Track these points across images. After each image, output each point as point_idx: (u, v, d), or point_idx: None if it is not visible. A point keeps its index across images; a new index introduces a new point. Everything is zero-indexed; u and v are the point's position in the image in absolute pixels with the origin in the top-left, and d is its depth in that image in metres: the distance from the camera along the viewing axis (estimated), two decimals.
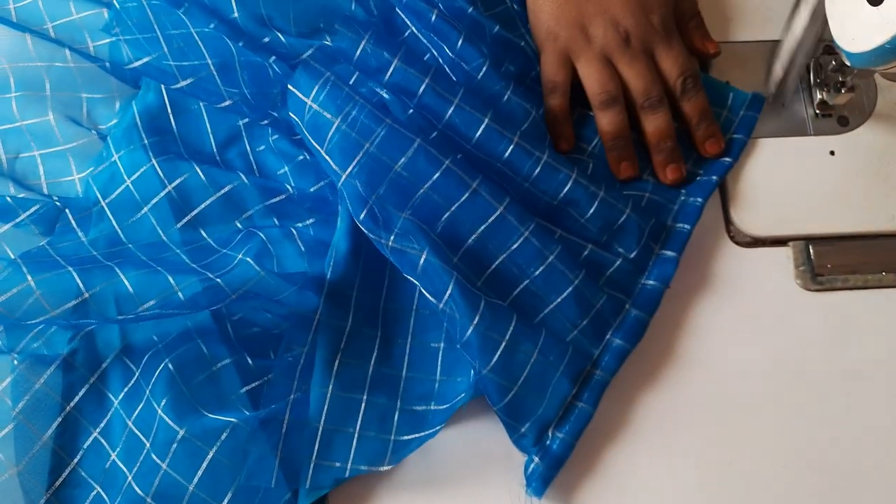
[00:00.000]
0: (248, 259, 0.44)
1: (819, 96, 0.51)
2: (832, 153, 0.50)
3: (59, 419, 0.41)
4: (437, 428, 0.42)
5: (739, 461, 0.44)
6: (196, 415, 0.40)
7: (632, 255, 0.46)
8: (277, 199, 0.47)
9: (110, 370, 0.42)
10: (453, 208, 0.43)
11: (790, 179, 0.50)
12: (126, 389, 0.42)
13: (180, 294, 0.42)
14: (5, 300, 0.40)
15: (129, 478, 0.39)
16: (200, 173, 0.46)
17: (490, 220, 0.43)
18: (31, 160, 0.47)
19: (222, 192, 0.46)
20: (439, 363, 0.44)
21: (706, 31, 0.51)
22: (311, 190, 0.47)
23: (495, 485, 0.43)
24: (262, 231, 0.45)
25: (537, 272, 0.44)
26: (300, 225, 0.47)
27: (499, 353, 0.41)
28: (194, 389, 0.41)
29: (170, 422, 0.39)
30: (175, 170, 0.46)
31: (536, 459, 0.42)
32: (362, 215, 0.43)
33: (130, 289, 0.42)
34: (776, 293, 0.48)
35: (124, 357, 0.42)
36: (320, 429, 0.41)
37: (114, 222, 0.45)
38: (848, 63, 0.43)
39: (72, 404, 0.41)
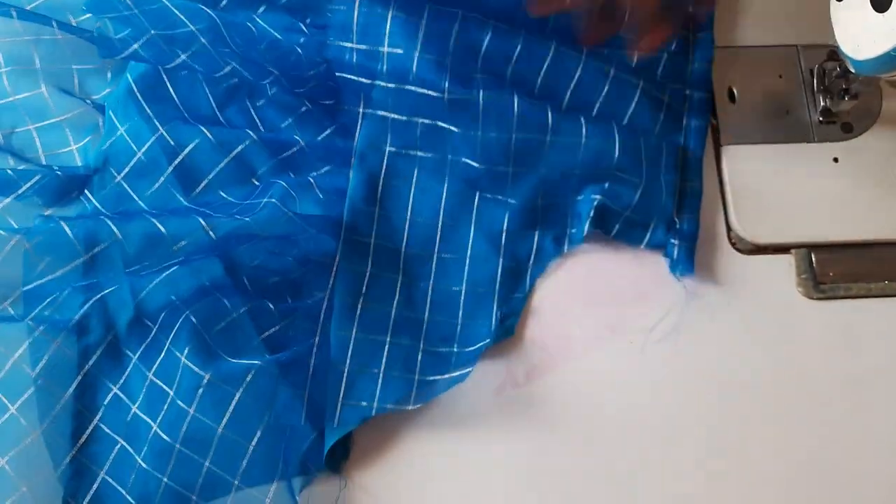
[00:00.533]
0: (273, 200, 0.44)
1: (823, 103, 0.50)
2: (836, 160, 0.50)
3: (78, 379, 0.41)
4: (466, 371, 0.43)
5: (741, 470, 0.44)
6: (220, 360, 0.41)
7: (672, 48, 0.50)
8: (289, 152, 0.47)
9: (126, 328, 0.42)
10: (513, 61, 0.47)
11: (793, 186, 0.49)
12: (144, 344, 0.42)
13: (212, 234, 0.42)
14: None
15: (154, 427, 0.40)
16: (210, 135, 0.46)
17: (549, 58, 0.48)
18: (27, 134, 0.47)
19: (235, 152, 0.46)
20: (461, 307, 0.45)
21: None
22: (320, 139, 0.48)
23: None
24: (282, 180, 0.46)
25: (605, 88, 0.48)
26: (315, 174, 0.47)
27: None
28: (215, 337, 0.41)
29: (195, 368, 0.40)
30: (183, 136, 0.46)
31: (676, 241, 0.47)
32: (446, 83, 0.46)
33: (163, 229, 0.42)
34: (778, 301, 0.47)
35: (140, 316, 0.42)
36: (346, 370, 0.42)
37: (131, 192, 0.45)
38: (852, 70, 0.43)
39: (89, 364, 0.41)
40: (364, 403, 0.42)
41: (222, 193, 0.46)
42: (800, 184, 0.49)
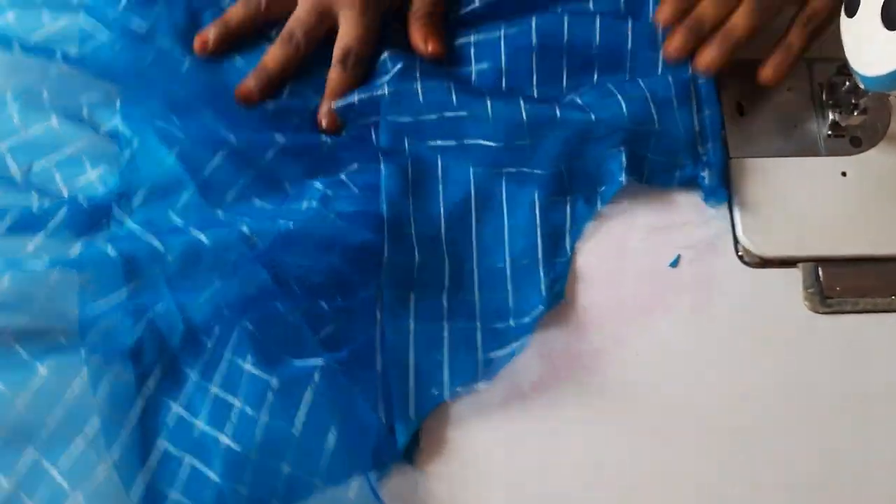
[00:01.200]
0: (314, 203, 0.44)
1: (831, 117, 0.50)
2: (844, 174, 0.50)
3: (140, 403, 0.41)
4: (523, 340, 0.44)
5: (747, 485, 0.43)
6: (283, 364, 0.41)
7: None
8: (316, 152, 0.48)
9: (180, 345, 0.42)
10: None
11: (801, 199, 0.49)
12: (202, 359, 0.42)
13: (256, 241, 0.43)
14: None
15: (225, 439, 0.40)
16: (234, 141, 0.46)
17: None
18: (45, 169, 0.47)
19: (262, 159, 0.47)
20: (508, 281, 0.46)
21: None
22: (343, 137, 0.49)
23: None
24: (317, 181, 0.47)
25: (598, 39, 0.50)
26: (346, 172, 0.48)
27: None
28: (274, 342, 0.42)
29: (260, 374, 0.41)
30: (204, 148, 0.46)
31: (705, 173, 0.48)
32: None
33: (205, 241, 0.42)
34: (784, 315, 0.47)
35: (192, 331, 0.42)
36: (410, 361, 0.43)
37: (161, 211, 0.46)
38: (862, 86, 0.43)
39: (148, 385, 0.41)
40: (434, 391, 0.43)
41: (257, 200, 0.46)
42: (808, 197, 0.49)
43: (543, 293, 0.46)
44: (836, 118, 0.50)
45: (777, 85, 0.50)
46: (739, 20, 0.48)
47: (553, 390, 0.45)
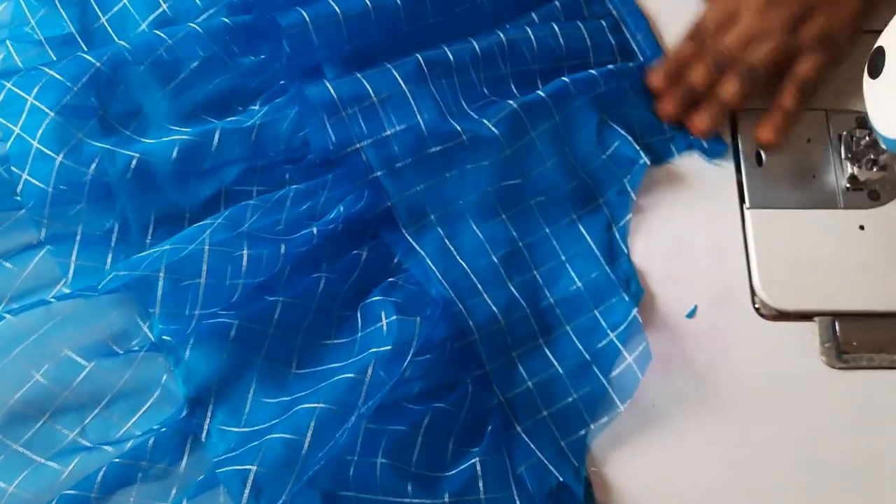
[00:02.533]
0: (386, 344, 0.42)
1: (850, 170, 0.50)
2: (862, 227, 0.50)
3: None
4: (643, 348, 0.44)
5: None
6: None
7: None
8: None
9: None
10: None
11: (818, 252, 0.49)
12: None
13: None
14: None
15: None
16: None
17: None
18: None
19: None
20: (587, 299, 0.47)
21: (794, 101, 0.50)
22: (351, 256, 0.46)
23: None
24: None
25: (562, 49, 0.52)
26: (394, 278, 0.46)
27: None
28: (419, 464, 0.42)
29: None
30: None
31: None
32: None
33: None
34: (800, 369, 0.47)
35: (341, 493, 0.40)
36: (546, 416, 0.44)
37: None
38: (883, 146, 0.43)
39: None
40: (581, 432, 0.44)
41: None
42: (825, 250, 0.49)
43: (625, 297, 0.46)
44: (855, 172, 0.50)
45: (776, 146, 0.51)
46: (728, 86, 0.50)
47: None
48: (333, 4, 0.47)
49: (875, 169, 0.49)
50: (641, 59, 0.53)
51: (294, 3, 0.47)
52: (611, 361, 0.45)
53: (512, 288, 0.46)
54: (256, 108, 0.48)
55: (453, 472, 0.42)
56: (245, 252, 0.41)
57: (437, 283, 0.45)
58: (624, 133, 0.49)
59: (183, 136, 0.45)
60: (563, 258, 0.48)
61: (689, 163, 0.52)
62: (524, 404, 0.44)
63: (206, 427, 0.41)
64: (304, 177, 0.47)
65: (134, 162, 0.44)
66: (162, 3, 0.50)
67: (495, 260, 0.47)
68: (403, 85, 0.47)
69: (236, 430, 0.41)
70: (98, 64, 0.45)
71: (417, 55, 0.48)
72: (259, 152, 0.47)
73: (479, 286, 0.46)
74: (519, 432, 0.44)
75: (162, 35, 0.47)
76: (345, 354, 0.43)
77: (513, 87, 0.50)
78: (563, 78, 0.49)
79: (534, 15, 0.52)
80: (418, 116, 0.47)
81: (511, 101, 0.48)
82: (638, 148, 0.49)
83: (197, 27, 0.47)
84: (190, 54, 0.47)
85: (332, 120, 0.46)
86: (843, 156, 0.51)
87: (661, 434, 0.45)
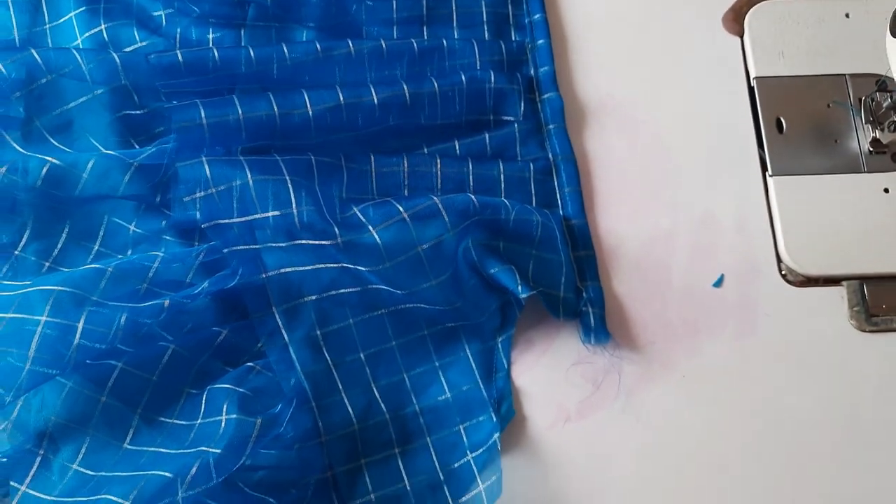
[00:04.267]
0: (232, 415, 0.41)
1: (872, 134, 0.50)
2: (886, 190, 0.50)
3: None
4: (496, 478, 0.42)
5: None
6: None
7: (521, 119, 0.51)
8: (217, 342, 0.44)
9: None
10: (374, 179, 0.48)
11: (843, 217, 0.49)
12: None
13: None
14: None
15: None
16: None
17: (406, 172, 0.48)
18: None
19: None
20: (455, 413, 0.44)
21: None
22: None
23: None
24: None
25: (471, 183, 0.48)
26: (260, 361, 0.44)
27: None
28: None
29: None
30: None
31: (588, 309, 0.46)
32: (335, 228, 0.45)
33: None
34: (830, 334, 0.47)
35: None
36: None
37: None
38: None
39: None
40: None
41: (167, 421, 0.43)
42: (850, 215, 0.49)
43: (493, 417, 0.44)
44: (877, 135, 0.50)
45: None
46: None
47: (598, 412, 0.45)
48: (237, 106, 0.46)
49: None
50: (561, 212, 0.49)
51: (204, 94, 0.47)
52: (463, 484, 0.43)
53: (375, 390, 0.44)
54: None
55: None
56: (80, 324, 0.40)
57: (297, 374, 0.43)
58: (508, 266, 0.45)
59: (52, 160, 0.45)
60: (437, 364, 0.45)
61: (710, 133, 0.51)
62: None
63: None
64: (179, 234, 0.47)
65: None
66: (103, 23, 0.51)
67: (362, 357, 0.44)
68: (286, 175, 0.45)
69: (81, 469, 0.41)
70: None
71: (311, 156, 0.47)
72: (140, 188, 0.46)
73: (340, 385, 0.43)
74: None
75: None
76: (179, 439, 0.41)
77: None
78: (470, 195, 0.46)
79: (456, 144, 0.50)
80: (293, 207, 0.45)
81: (400, 207, 0.45)
82: (519, 281, 0.44)
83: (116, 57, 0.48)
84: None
85: (199, 195, 0.45)
86: (864, 120, 0.50)
87: (695, 405, 0.45)
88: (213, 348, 0.43)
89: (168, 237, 0.47)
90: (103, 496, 0.37)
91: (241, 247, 0.43)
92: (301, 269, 0.44)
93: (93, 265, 0.43)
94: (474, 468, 0.43)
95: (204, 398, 0.42)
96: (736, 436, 0.45)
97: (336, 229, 0.44)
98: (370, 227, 0.44)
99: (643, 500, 0.43)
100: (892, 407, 0.45)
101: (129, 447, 0.41)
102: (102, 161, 0.46)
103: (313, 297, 0.44)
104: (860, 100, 0.51)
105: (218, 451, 0.38)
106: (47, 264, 0.46)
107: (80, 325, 0.40)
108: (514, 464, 0.44)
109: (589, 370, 0.46)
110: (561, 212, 0.49)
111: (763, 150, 0.51)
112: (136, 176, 0.46)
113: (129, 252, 0.47)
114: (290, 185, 0.45)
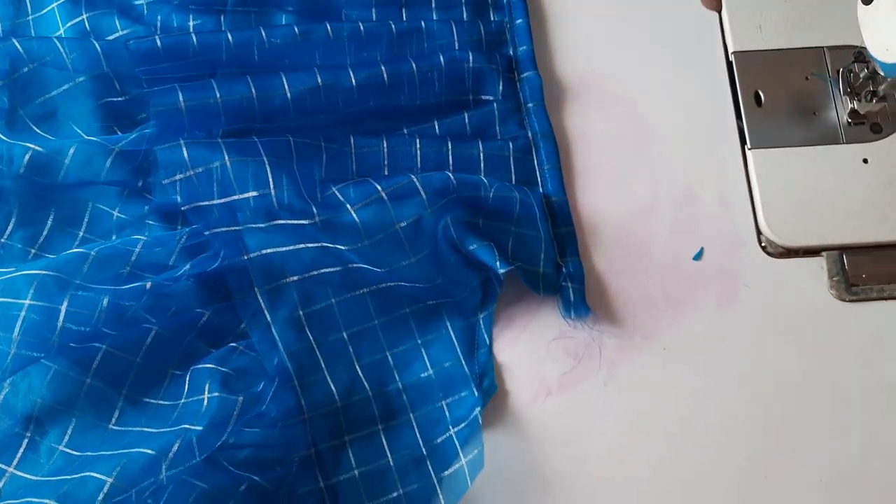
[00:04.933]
0: (214, 392, 0.41)
1: (851, 105, 0.50)
2: (865, 161, 0.50)
3: None
4: (479, 451, 0.42)
5: (775, 477, 0.44)
6: None
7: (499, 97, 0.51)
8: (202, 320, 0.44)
9: None
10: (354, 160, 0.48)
11: (823, 188, 0.49)
12: None
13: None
14: None
15: None
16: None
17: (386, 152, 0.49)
18: None
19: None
20: (437, 389, 0.45)
21: None
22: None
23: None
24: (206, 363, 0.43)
25: (451, 163, 0.48)
26: (243, 342, 0.44)
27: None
28: None
29: None
30: None
31: (568, 284, 0.46)
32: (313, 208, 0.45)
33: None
34: (810, 305, 0.47)
35: None
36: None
37: None
38: (881, 73, 0.43)
39: None
40: None
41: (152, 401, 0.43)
42: (830, 185, 0.49)
43: (475, 392, 0.44)
44: (855, 106, 0.50)
45: None
46: None
47: (580, 385, 0.45)
48: (216, 89, 0.46)
49: (875, 101, 0.48)
50: (541, 190, 0.49)
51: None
52: (446, 459, 0.43)
53: (358, 368, 0.44)
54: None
55: None
56: (64, 307, 0.40)
57: (279, 353, 0.43)
58: (487, 242, 0.45)
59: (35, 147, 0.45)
60: (419, 342, 0.46)
61: (689, 108, 0.52)
62: (347, 493, 0.42)
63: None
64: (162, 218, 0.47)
65: None
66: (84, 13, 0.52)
67: (345, 336, 0.45)
68: (265, 156, 0.45)
69: (68, 450, 0.41)
70: None
71: (290, 137, 0.47)
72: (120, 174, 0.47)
73: (322, 363, 0.44)
74: None
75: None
76: (163, 419, 0.41)
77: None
78: (448, 173, 0.46)
79: (436, 124, 0.50)
80: (272, 188, 0.45)
81: (378, 186, 0.45)
82: (497, 256, 0.44)
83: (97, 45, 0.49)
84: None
85: (179, 177, 0.45)
86: (842, 91, 0.51)
87: (677, 376, 0.46)
88: (196, 329, 0.44)
89: (151, 221, 0.47)
90: (87, 473, 0.38)
91: (223, 228, 0.44)
92: (282, 249, 0.44)
93: (76, 250, 0.44)
94: (457, 443, 0.43)
95: (187, 378, 0.42)
96: (718, 406, 0.45)
97: (315, 209, 0.44)
98: (348, 207, 0.44)
99: (626, 471, 0.44)
100: (873, 375, 0.46)
101: (114, 427, 0.41)
102: (84, 147, 0.46)
103: (295, 278, 0.44)
104: (838, 71, 0.51)
105: (200, 428, 0.39)
106: (33, 251, 0.47)
107: (64, 308, 0.40)
108: (498, 438, 0.44)
109: (570, 345, 0.46)
110: (541, 189, 0.49)
111: (742, 123, 0.51)
112: (117, 161, 0.46)
113: (114, 237, 0.47)
114: (268, 167, 0.45)
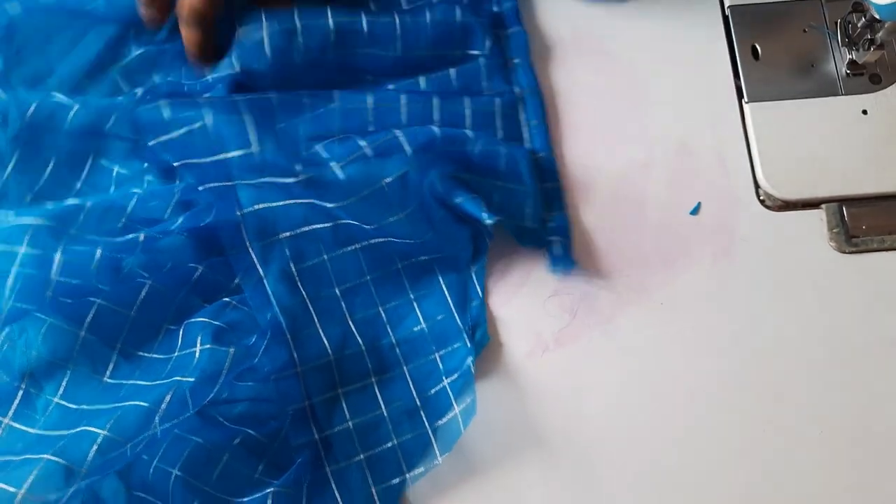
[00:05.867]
0: (207, 346, 0.41)
1: (849, 56, 0.49)
2: (865, 112, 0.49)
3: None
4: (471, 400, 0.42)
5: (774, 432, 0.43)
6: None
7: (486, 52, 0.50)
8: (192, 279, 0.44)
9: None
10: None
11: (822, 140, 0.48)
12: None
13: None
14: None
15: None
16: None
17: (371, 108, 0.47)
18: None
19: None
20: (431, 342, 0.45)
21: None
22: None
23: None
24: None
25: (436, 117, 0.47)
26: (237, 297, 0.44)
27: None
28: (216, 485, 0.40)
29: None
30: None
31: (554, 238, 0.46)
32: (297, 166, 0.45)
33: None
34: (810, 257, 0.47)
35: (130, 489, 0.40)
36: (362, 459, 0.42)
37: None
38: (878, 17, 0.42)
39: None
40: (396, 480, 0.42)
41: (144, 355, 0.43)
42: (829, 138, 0.49)
43: (467, 344, 0.44)
44: (854, 56, 0.49)
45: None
46: None
47: (576, 341, 0.45)
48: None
49: (872, 49, 0.48)
50: (529, 145, 0.49)
51: None
52: (440, 409, 0.43)
53: (351, 324, 0.44)
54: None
55: (245, 499, 0.40)
56: (58, 257, 0.41)
57: (272, 308, 0.43)
58: (474, 195, 0.45)
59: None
60: (412, 296, 0.45)
61: (686, 62, 0.51)
62: (341, 444, 0.42)
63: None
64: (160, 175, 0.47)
65: None
66: None
67: (338, 292, 0.45)
68: (246, 113, 0.45)
69: (63, 403, 0.41)
70: None
71: (272, 94, 0.46)
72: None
73: (315, 318, 0.44)
74: (327, 473, 0.42)
75: None
76: (157, 372, 0.41)
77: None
78: (433, 127, 0.46)
79: (422, 80, 0.50)
80: (256, 146, 0.44)
81: (363, 143, 0.45)
82: (484, 208, 0.44)
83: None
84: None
85: (163, 138, 0.45)
86: (840, 42, 0.50)
87: (674, 331, 0.45)
88: (190, 284, 0.43)
89: (150, 178, 0.47)
90: (83, 428, 0.38)
91: (216, 184, 0.44)
92: (274, 205, 0.44)
93: (72, 201, 0.44)
94: (450, 393, 0.43)
95: (181, 332, 0.42)
96: (716, 360, 0.45)
97: (299, 166, 0.44)
98: (332, 163, 0.44)
99: (623, 426, 0.43)
100: (873, 327, 0.45)
101: (108, 381, 0.41)
102: (91, 101, 0.46)
103: (287, 234, 0.44)
104: (836, 23, 0.50)
105: (192, 380, 0.39)
106: (29, 198, 0.46)
107: (58, 259, 0.41)
108: (493, 390, 0.44)
109: (567, 301, 0.46)
110: (528, 145, 0.49)
111: (739, 78, 0.50)
112: (121, 118, 0.46)
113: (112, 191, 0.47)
114: (249, 125, 0.45)
